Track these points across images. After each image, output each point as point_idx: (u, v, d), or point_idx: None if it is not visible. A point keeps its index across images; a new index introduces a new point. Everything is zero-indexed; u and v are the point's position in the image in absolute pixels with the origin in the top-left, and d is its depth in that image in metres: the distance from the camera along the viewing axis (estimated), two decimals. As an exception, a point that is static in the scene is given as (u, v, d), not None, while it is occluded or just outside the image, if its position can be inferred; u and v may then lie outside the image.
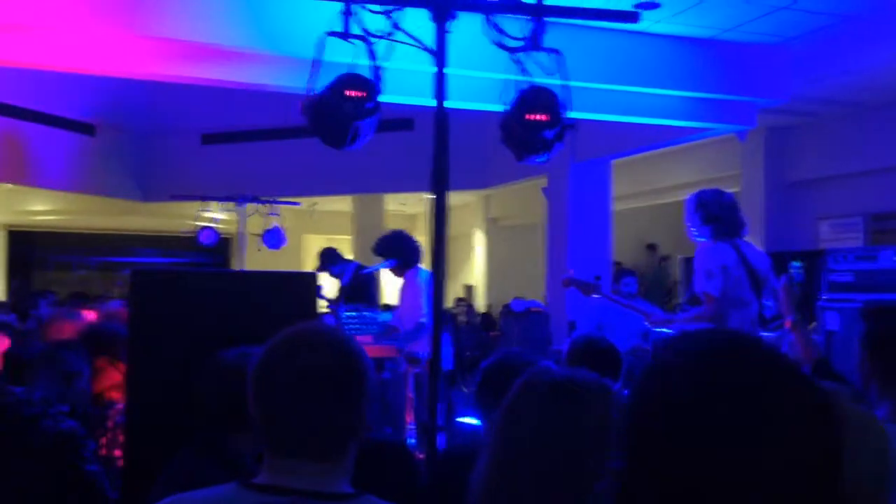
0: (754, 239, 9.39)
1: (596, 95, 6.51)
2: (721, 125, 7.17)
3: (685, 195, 4.25)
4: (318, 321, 1.55)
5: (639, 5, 5.91)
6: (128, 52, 5.24)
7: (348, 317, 5.81)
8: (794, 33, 6.39)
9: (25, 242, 15.83)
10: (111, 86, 10.68)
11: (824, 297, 4.87)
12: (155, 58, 5.30)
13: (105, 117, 11.38)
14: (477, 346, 9.01)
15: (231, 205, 8.60)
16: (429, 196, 2.88)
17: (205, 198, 9.28)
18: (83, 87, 10.44)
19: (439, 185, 2.80)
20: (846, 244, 8.43)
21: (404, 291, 5.90)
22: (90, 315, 5.09)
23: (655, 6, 5.96)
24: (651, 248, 13.25)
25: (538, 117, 2.89)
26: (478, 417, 2.97)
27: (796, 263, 3.44)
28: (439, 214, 2.78)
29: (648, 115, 6.88)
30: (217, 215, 10.56)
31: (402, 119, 10.09)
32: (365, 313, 6.03)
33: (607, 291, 4.84)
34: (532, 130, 2.90)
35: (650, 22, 6.19)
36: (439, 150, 2.81)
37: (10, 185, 11.58)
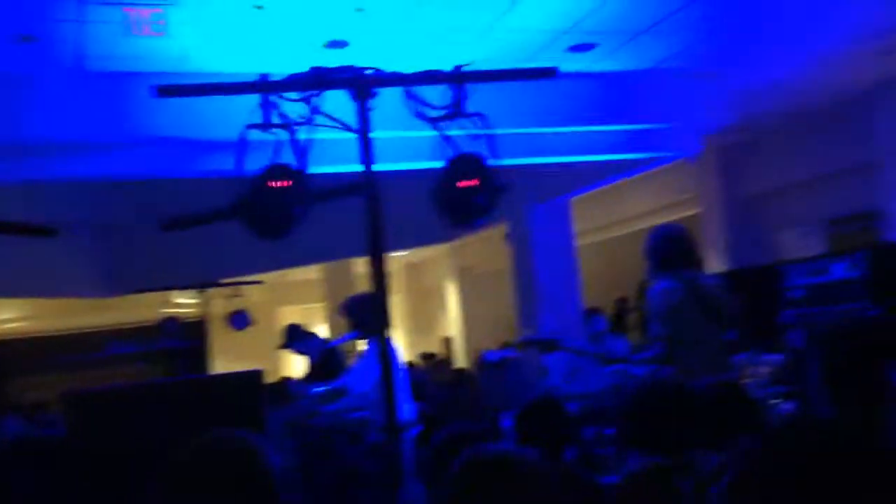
0: (718, 257, 9.50)
1: (540, 139, 6.58)
2: (667, 153, 7.26)
3: (648, 223, 4.25)
4: (227, 432, 1.54)
5: (574, 48, 6.01)
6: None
7: (320, 394, 5.72)
8: (725, 56, 6.51)
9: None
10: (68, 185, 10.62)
11: (786, 314, 4.87)
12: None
13: (63, 216, 11.28)
14: (451, 403, 8.87)
15: (193, 291, 8.53)
16: (395, 255, 2.89)
17: (166, 288, 9.20)
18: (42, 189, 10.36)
19: (376, 251, 2.81)
20: (808, 252, 8.50)
21: (364, 356, 5.74)
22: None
23: (591, 47, 6.06)
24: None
25: (469, 183, 2.90)
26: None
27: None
28: (379, 277, 2.78)
29: (595, 152, 6.94)
30: (184, 300, 10.47)
31: (351, 184, 10.07)
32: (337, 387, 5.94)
33: (569, 343, 4.81)
34: (463, 197, 2.91)
35: (588, 62, 6.29)
36: (373, 220, 2.82)
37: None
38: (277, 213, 2.80)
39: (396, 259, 12.30)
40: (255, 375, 2.58)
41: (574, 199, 9.54)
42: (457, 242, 13.74)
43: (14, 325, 14.51)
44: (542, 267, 9.04)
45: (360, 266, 13.78)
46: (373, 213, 2.88)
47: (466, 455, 1.65)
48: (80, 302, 12.55)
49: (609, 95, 6.65)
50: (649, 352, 4.18)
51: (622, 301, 11.83)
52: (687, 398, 2.33)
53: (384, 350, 2.81)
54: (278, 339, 7.09)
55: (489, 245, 13.14)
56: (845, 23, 6.04)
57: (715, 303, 4.14)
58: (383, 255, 2.90)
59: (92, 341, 16.05)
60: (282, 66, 4.12)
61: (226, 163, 4.42)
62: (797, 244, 9.15)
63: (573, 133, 6.72)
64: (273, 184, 2.77)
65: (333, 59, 4.09)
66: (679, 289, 4.07)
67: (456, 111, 3.00)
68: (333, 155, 4.44)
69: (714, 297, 4.17)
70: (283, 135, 2.90)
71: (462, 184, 2.89)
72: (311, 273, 14.43)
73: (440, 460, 2.34)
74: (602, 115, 6.66)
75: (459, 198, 2.91)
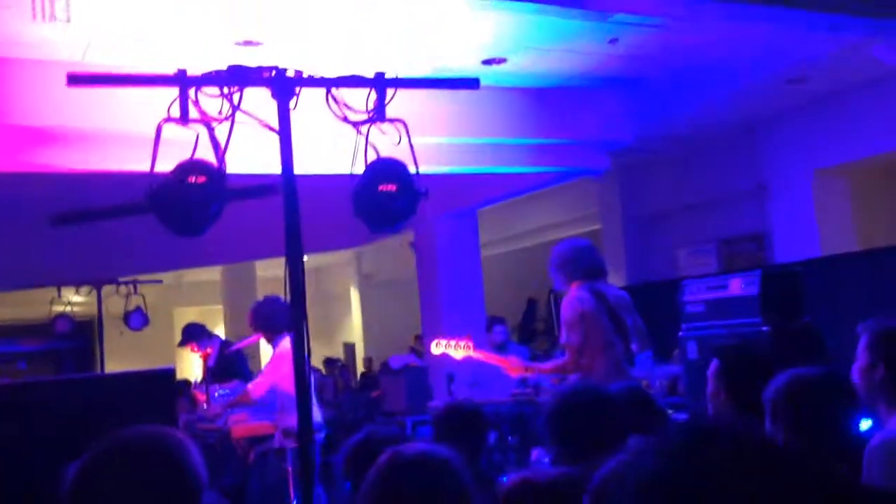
0: (617, 272, 9.79)
1: (450, 150, 6.64)
2: (574, 169, 7.44)
3: (551, 236, 4.37)
4: (145, 428, 1.50)
5: (486, 61, 6.11)
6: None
7: (220, 395, 5.62)
8: (629, 78, 6.73)
9: None
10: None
11: (684, 327, 5.07)
12: None
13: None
14: (359, 408, 8.87)
15: (87, 288, 8.22)
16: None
17: (59, 284, 8.83)
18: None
19: (294, 254, 2.80)
20: (702, 269, 8.87)
21: (271, 359, 5.69)
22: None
23: (502, 61, 6.17)
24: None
25: (389, 188, 2.92)
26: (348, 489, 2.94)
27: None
28: (295, 280, 2.76)
29: (503, 165, 7.06)
30: (75, 298, 10.08)
31: (264, 185, 9.93)
32: (238, 390, 5.84)
33: (479, 348, 4.91)
34: (384, 201, 2.93)
35: (498, 76, 6.40)
36: (291, 222, 2.81)
37: None
38: (193, 209, 2.74)
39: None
40: (168, 373, 2.53)
41: (480, 210, 9.68)
42: (359, 249, 13.72)
43: None
44: (446, 276, 9.12)
45: (261, 269, 13.59)
46: (291, 215, 2.85)
47: (390, 455, 1.67)
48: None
49: (519, 109, 6.77)
50: (556, 359, 4.30)
51: (532, 302, 12.09)
52: (612, 403, 2.42)
53: (300, 354, 2.78)
54: (176, 339, 6.91)
55: (392, 253, 13.17)
56: (752, 52, 6.34)
57: (622, 313, 4.31)
58: (301, 257, 2.88)
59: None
60: (193, 63, 4.03)
61: (137, 157, 4.30)
62: (691, 262, 9.54)
63: (483, 144, 6.81)
64: (191, 179, 2.72)
65: (246, 59, 4.02)
66: (589, 298, 4.21)
67: (377, 117, 3.01)
68: (251, 155, 4.38)
69: (621, 307, 4.34)
70: (200, 130, 2.85)
71: (383, 188, 2.91)
72: (209, 274, 14.14)
73: (356, 464, 2.35)
74: (513, 128, 6.77)
75: (379, 202, 2.93)
